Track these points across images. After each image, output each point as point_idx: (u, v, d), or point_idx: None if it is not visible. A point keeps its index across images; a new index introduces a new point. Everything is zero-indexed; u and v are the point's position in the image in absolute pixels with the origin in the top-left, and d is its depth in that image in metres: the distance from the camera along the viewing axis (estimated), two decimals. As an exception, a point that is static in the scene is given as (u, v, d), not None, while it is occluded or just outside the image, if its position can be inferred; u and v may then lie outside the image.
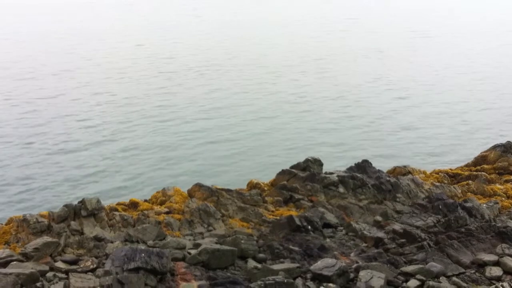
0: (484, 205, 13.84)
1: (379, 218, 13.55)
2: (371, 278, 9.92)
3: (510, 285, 10.17)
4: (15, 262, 10.02)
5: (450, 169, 17.28)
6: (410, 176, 16.04)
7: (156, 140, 31.34)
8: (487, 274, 10.66)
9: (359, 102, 40.40)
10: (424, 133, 33.90)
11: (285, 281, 9.61)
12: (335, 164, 21.06)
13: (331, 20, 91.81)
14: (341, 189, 15.03)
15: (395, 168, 16.92)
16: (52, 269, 10.08)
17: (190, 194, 14.00)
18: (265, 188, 14.93)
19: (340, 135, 33.03)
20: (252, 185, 14.97)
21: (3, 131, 32.34)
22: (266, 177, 16.31)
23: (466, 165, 17.61)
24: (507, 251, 11.28)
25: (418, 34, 76.98)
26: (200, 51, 60.60)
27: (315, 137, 32.23)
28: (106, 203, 13.76)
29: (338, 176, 15.36)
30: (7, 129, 32.76)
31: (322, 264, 10.44)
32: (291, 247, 11.56)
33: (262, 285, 9.38)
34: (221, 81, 46.22)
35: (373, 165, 16.41)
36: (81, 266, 10.27)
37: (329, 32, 77.26)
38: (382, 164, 20.63)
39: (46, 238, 10.79)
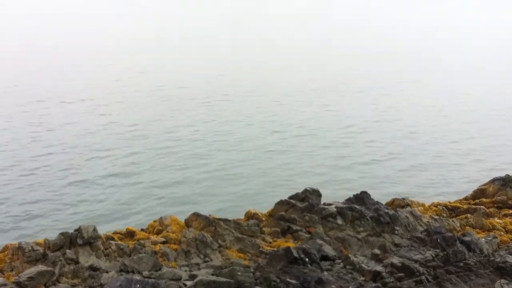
0: (483, 239, 13.76)
1: (377, 251, 13.46)
2: (368, 312, 9.80)
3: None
4: (8, 291, 9.96)
5: (449, 202, 17.24)
6: (408, 208, 16.01)
7: (159, 170, 31.31)
8: (485, 310, 10.54)
9: (364, 135, 40.42)
10: (428, 166, 33.89)
11: (281, 314, 9.51)
12: (338, 198, 21.00)
13: (332, 47, 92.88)
14: (339, 221, 14.99)
15: (393, 200, 16.89)
16: (45, 298, 10.01)
17: (187, 223, 13.97)
18: (263, 219, 14.89)
19: (345, 169, 32.95)
20: (249, 215, 14.94)
21: (5, 159, 32.41)
22: (267, 208, 16.24)
23: (465, 198, 17.57)
24: (506, 287, 11.16)
25: (422, 62, 77.73)
26: (203, 79, 61.16)
27: (320, 173, 32.10)
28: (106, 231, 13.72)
29: (336, 207, 15.34)
30: (10, 157, 32.82)
31: (318, 298, 10.34)
32: (288, 279, 11.46)
33: (257, 318, 9.28)
34: (224, 110, 46.45)
35: (373, 196, 16.39)
36: (75, 296, 10.20)
37: (331, 61, 78.08)
38: (383, 196, 20.55)
39: (40, 267, 10.74)
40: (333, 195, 22.90)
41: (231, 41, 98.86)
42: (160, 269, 11.64)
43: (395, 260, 12.52)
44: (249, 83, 59.27)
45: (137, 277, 10.61)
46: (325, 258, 13.01)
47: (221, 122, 43.21)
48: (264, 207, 18.10)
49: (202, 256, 12.66)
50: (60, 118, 42.09)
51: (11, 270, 11.19)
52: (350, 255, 13.05)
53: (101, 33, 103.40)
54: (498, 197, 16.63)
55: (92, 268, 11.34)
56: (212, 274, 11.32)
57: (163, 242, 12.97)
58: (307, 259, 12.47)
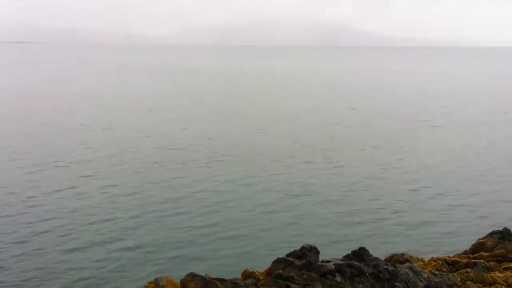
0: (484, 293, 13.53)
1: (376, 308, 13.21)
2: None
3: None
4: None
5: (448, 256, 17.07)
6: (408, 264, 15.83)
7: (162, 237, 31.09)
8: None
9: (367, 194, 40.39)
10: (425, 221, 33.72)
11: None
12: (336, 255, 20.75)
13: (333, 109, 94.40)
14: (339, 278, 14.79)
15: (392, 256, 16.74)
16: None
17: (183, 284, 13.79)
18: (260, 278, 14.71)
19: (346, 229, 32.77)
20: (247, 275, 14.76)
21: (4, 227, 32.30)
22: (264, 266, 16.09)
23: (464, 253, 17.41)
24: None
25: (420, 120, 78.70)
26: (205, 141, 61.73)
27: (323, 233, 31.91)
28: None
29: (335, 264, 15.18)
30: (8, 225, 32.70)
31: None
32: None
33: None
34: (226, 174, 46.47)
35: (371, 252, 16.25)
36: None
37: (333, 121, 79.09)
38: (381, 251, 20.33)
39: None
40: (332, 252, 22.70)
41: (232, 108, 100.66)
42: (155, 331, 11.41)
43: (395, 317, 12.28)
44: (248, 146, 59.77)
45: None
46: (323, 316, 12.77)
47: (222, 183, 43.25)
48: (261, 265, 17.95)
49: (198, 318, 12.42)
50: (55, 182, 42.19)
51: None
52: (349, 313, 12.80)
53: (100, 103, 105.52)
54: (498, 251, 16.48)
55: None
56: (208, 336, 11.08)
57: (159, 304, 12.76)
58: (305, 318, 12.23)
